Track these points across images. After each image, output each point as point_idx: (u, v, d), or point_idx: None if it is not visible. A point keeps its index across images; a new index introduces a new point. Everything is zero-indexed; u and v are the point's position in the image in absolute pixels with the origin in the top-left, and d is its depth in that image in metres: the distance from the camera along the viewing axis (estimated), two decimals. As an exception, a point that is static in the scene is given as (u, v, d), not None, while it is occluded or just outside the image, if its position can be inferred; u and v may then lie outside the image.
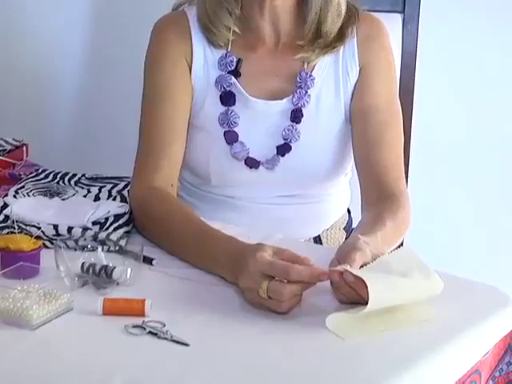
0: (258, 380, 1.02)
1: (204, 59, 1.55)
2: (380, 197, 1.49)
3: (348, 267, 1.16)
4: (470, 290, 1.27)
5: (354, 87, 1.54)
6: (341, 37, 1.53)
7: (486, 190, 2.24)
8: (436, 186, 2.24)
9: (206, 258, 1.30)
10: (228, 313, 1.17)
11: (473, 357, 1.17)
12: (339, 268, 1.17)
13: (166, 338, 1.09)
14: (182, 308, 1.18)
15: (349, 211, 1.74)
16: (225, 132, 1.54)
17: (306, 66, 1.54)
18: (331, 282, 1.18)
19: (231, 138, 1.54)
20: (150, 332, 1.10)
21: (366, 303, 1.12)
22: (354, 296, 1.16)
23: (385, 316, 1.15)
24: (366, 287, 1.12)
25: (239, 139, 1.54)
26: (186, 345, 1.08)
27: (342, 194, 1.69)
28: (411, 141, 1.81)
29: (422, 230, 2.03)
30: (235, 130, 1.54)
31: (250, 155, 1.55)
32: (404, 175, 1.56)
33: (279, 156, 1.55)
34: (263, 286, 1.15)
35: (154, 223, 1.41)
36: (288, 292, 1.14)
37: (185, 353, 1.07)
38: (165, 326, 1.12)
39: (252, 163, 1.55)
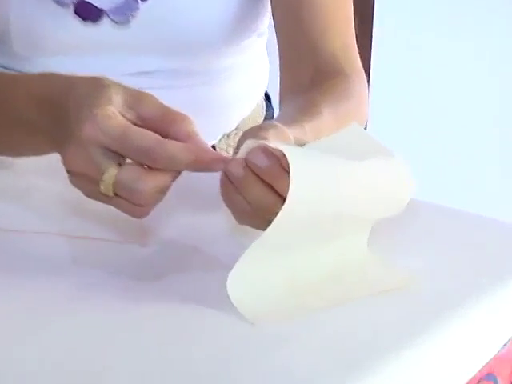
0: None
1: None
2: (315, 78, 0.89)
3: (258, 143, 0.64)
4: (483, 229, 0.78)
5: None
6: None
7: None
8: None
9: (6, 116, 0.72)
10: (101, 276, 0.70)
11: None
12: (244, 149, 0.64)
13: None
14: None
15: (267, 97, 1.16)
16: None
17: None
18: (223, 189, 0.65)
19: None
20: None
21: None
22: (264, 203, 0.63)
23: (326, 282, 0.67)
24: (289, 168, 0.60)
25: None
26: None
27: (255, 69, 1.10)
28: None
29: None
30: None
31: None
32: (357, 51, 0.94)
33: (138, 0, 0.95)
34: (106, 177, 0.63)
35: None
36: (148, 191, 0.63)
37: None
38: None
39: (87, 12, 0.93)
